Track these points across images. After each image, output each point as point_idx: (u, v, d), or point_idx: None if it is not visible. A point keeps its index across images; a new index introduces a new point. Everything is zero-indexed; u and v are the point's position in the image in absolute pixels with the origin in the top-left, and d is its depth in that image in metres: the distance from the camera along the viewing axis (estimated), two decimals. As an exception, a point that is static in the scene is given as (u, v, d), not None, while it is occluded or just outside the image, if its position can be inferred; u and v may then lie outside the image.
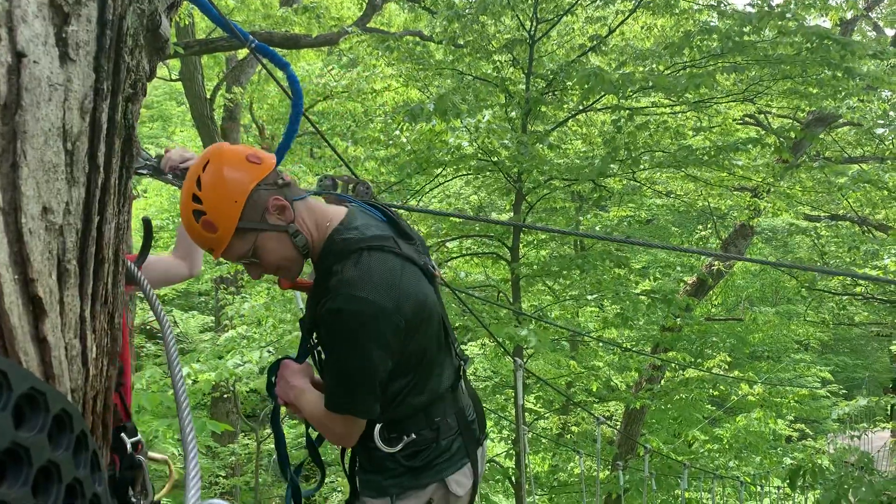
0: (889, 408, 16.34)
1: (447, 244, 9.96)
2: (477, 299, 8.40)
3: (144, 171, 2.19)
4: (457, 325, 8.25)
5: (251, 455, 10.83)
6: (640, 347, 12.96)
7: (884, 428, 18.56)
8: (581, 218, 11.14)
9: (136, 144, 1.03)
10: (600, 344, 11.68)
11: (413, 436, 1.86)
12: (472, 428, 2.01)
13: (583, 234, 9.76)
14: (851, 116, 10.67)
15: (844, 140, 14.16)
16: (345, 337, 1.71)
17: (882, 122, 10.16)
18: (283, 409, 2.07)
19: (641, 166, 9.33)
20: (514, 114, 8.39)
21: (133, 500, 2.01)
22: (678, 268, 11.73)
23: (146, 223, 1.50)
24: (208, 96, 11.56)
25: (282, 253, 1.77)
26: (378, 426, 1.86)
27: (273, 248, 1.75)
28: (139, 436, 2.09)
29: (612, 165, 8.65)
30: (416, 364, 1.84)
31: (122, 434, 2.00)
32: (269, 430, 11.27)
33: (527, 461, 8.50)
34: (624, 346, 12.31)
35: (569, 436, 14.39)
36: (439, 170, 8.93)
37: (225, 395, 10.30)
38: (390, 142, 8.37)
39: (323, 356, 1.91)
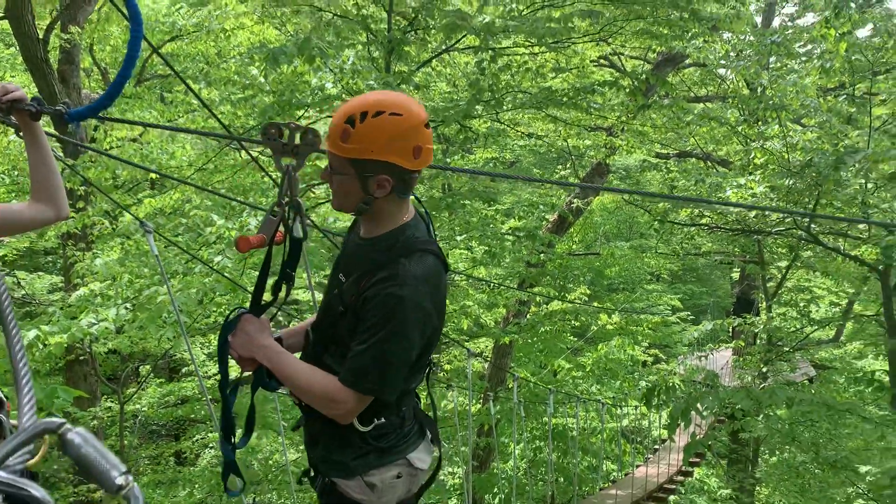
0: (730, 329, 17.89)
1: (314, 189, 9.72)
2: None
3: (-34, 107, 1.97)
4: (328, 270, 8.14)
5: (114, 418, 10.33)
6: (508, 284, 13.38)
7: (727, 347, 20.35)
8: (448, 160, 11.17)
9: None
10: (470, 281, 11.96)
11: (383, 420, 1.97)
12: (427, 415, 2.16)
13: (453, 168, 9.83)
14: (697, 57, 11.26)
15: (691, 80, 15.00)
16: (399, 322, 1.81)
17: (724, 62, 10.79)
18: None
19: (505, 107, 9.45)
20: (377, 53, 8.20)
21: None
22: (541, 206, 12.14)
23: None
24: (41, 36, 10.46)
25: (350, 198, 1.90)
26: None
27: (348, 190, 1.88)
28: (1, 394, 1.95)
29: (477, 107, 8.69)
30: (417, 360, 1.93)
31: None
32: (132, 390, 10.79)
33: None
34: (492, 283, 12.66)
35: (442, 373, 14.76)
36: (301, 112, 8.62)
37: (81, 357, 9.68)
38: (247, 83, 7.97)
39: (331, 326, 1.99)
